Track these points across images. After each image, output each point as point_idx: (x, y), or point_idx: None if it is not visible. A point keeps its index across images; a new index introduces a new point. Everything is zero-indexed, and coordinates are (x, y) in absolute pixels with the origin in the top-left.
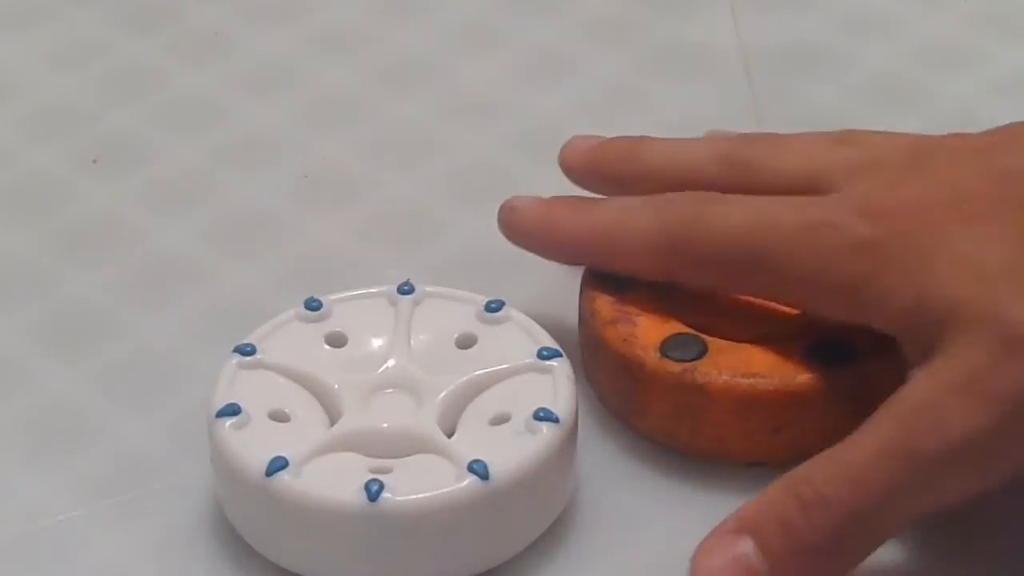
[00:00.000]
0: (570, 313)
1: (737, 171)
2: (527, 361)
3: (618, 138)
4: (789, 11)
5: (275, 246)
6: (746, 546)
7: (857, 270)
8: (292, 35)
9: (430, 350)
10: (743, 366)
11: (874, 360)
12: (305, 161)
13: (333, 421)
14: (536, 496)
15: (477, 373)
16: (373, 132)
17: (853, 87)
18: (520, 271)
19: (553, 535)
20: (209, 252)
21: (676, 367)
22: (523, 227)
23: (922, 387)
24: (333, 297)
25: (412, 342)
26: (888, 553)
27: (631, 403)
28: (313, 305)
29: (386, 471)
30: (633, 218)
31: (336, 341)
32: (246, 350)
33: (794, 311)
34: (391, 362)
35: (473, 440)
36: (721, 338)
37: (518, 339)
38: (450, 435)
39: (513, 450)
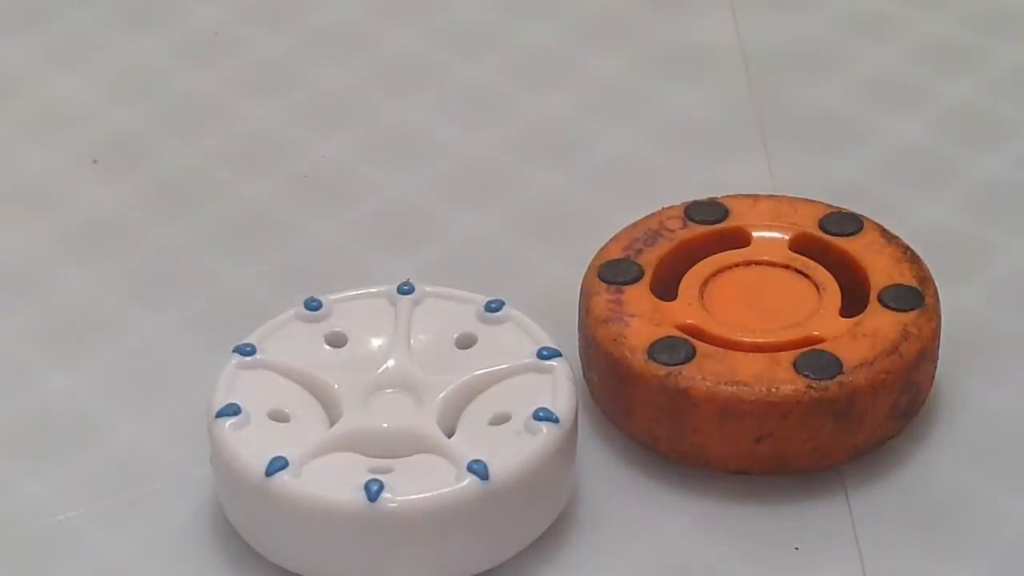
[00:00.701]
0: (570, 313)
1: None
2: (527, 361)
3: None
4: (789, 11)
5: (275, 246)
6: None
7: None
8: (292, 35)
9: (430, 350)
10: (728, 373)
11: (860, 374)
12: (305, 161)
13: (333, 421)
14: (536, 496)
15: (477, 373)
16: (373, 132)
17: (853, 87)
18: (520, 271)
19: (553, 535)
20: (209, 252)
21: (661, 370)
22: None
23: None
24: (333, 297)
25: (412, 342)
26: (888, 553)
27: (618, 403)
28: (313, 305)
29: (386, 471)
30: None
31: (336, 341)
32: (246, 350)
33: (790, 320)
34: (391, 362)
35: (473, 440)
36: (713, 344)
37: (518, 339)
38: (450, 435)
39: (513, 450)
